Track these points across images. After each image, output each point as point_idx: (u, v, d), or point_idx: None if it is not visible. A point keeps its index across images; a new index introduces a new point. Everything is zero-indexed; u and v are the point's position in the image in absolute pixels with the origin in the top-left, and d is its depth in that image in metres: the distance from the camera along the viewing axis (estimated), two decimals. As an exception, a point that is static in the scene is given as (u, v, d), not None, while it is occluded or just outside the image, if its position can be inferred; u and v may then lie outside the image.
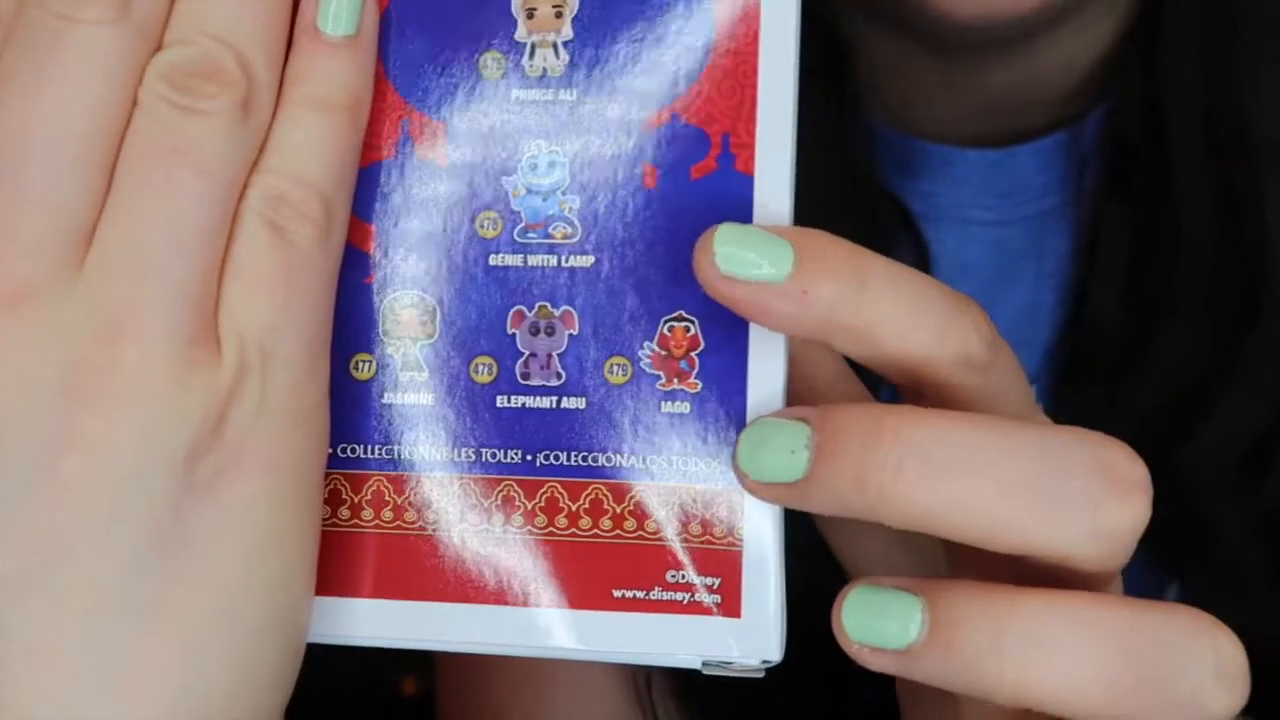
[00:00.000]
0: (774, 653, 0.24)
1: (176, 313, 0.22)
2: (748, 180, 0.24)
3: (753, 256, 0.22)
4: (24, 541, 0.21)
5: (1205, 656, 0.22)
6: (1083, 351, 0.42)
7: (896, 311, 0.22)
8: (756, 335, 0.24)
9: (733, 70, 0.24)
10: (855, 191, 0.41)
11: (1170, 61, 0.40)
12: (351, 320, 0.25)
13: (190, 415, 0.22)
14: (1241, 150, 0.38)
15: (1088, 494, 0.22)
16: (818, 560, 0.30)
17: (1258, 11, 0.38)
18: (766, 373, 0.24)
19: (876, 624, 0.22)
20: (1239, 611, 0.41)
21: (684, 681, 0.41)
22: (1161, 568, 0.43)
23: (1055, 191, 0.43)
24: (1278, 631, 0.39)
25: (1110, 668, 0.21)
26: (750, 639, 0.24)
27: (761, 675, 0.25)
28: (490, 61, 0.25)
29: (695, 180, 0.24)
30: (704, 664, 0.24)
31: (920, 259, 0.42)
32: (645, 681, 0.41)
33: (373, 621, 0.25)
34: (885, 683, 0.29)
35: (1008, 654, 0.21)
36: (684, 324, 0.24)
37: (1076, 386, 0.42)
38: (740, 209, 0.24)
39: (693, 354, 0.24)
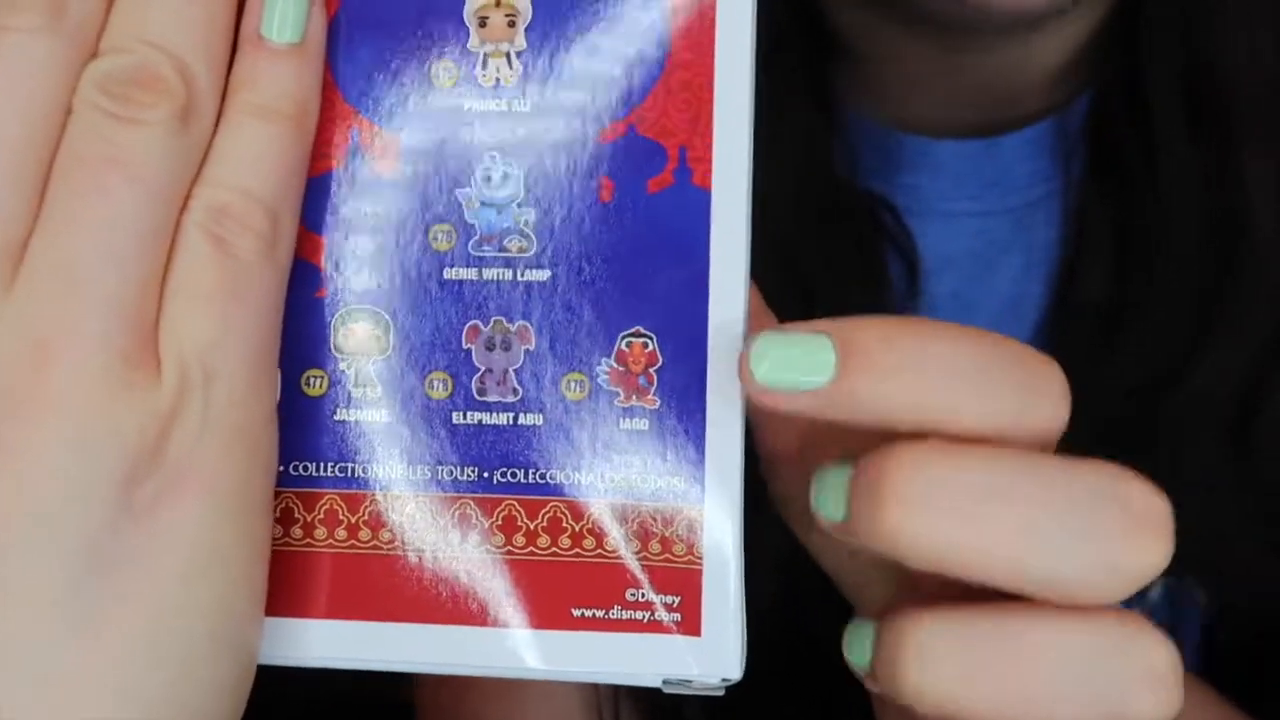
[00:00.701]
0: (734, 670, 0.24)
1: (110, 328, 0.21)
2: (705, 194, 0.24)
3: (792, 368, 0.22)
4: None
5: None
6: (1069, 331, 0.41)
7: (959, 396, 0.22)
8: (715, 351, 0.24)
9: (689, 82, 0.24)
10: (839, 191, 0.40)
11: (1152, 35, 0.39)
12: (302, 335, 0.24)
13: (127, 435, 0.21)
14: (1221, 118, 0.38)
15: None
16: (790, 574, 0.29)
17: None
18: (725, 388, 0.24)
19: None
20: (1223, 573, 0.41)
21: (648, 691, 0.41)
22: None
23: (1042, 181, 0.42)
24: (1272, 594, 0.39)
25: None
26: (710, 657, 0.24)
27: (721, 694, 0.24)
28: (442, 71, 0.24)
29: (652, 194, 0.24)
30: (664, 683, 0.24)
31: (907, 260, 0.41)
32: (609, 692, 0.41)
33: (327, 643, 0.24)
34: (858, 695, 0.29)
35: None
36: (642, 340, 0.24)
37: (1063, 364, 0.42)
38: (697, 223, 0.24)
39: (651, 370, 0.24)
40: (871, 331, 0.22)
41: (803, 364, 0.22)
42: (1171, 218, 0.39)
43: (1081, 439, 0.37)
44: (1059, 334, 0.42)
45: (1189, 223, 0.39)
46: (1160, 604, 0.43)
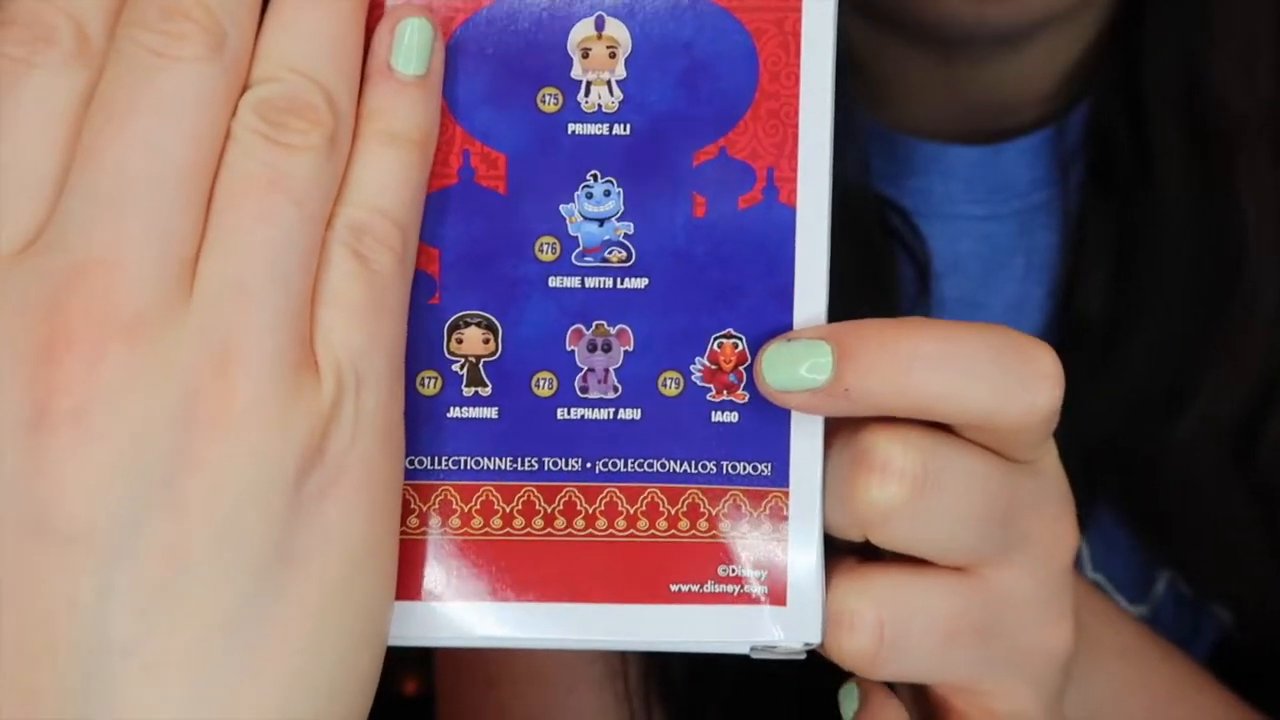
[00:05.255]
0: (815, 636, 0.27)
1: (281, 340, 0.23)
2: (790, 211, 0.27)
3: (799, 371, 0.26)
4: (147, 561, 0.22)
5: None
6: (1071, 340, 0.44)
7: (947, 385, 0.25)
8: None
9: (776, 111, 0.26)
10: (851, 194, 0.43)
11: (1151, 52, 0.42)
12: (418, 339, 0.26)
13: (298, 437, 0.23)
14: (1216, 138, 0.41)
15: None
16: None
17: (1228, 3, 0.41)
18: None
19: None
20: (1239, 591, 0.44)
21: (665, 679, 0.43)
22: (1158, 556, 0.46)
23: (1043, 187, 0.45)
24: (1277, 608, 0.43)
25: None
26: (794, 624, 0.27)
27: (803, 657, 0.27)
28: (547, 96, 0.26)
29: (742, 210, 0.27)
30: (752, 649, 0.27)
31: (918, 262, 0.44)
32: (638, 688, 0.43)
33: (444, 623, 0.26)
34: None
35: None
36: (732, 340, 0.27)
37: (1066, 374, 0.45)
38: (783, 237, 0.27)
39: (740, 368, 0.27)
40: (864, 333, 0.26)
41: (806, 369, 0.26)
42: (1168, 233, 0.42)
43: (1086, 449, 0.41)
44: (1061, 339, 0.45)
45: (1184, 239, 0.42)
46: (1166, 600, 0.47)
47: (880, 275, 0.43)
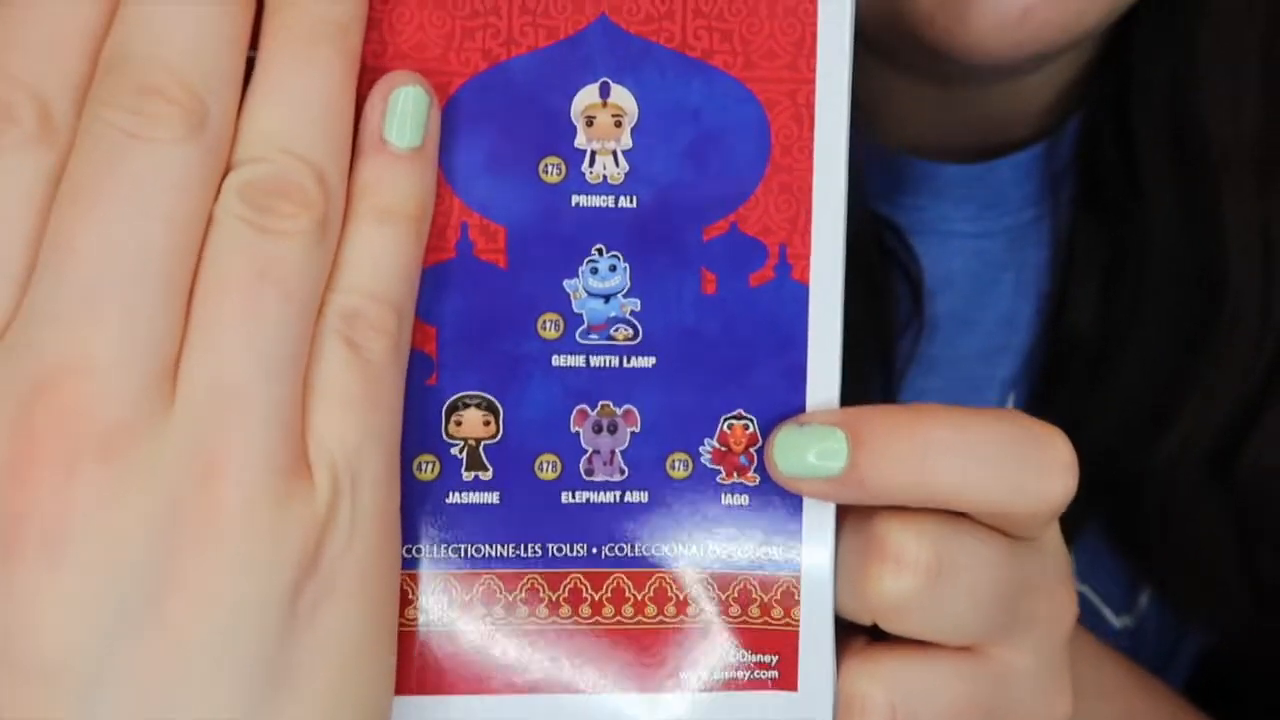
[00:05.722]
0: (826, 718, 0.26)
1: (271, 444, 0.22)
2: (803, 289, 0.25)
3: (811, 458, 0.25)
4: (131, 687, 0.21)
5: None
6: (1060, 356, 0.44)
7: (962, 476, 0.25)
8: None
9: (789, 185, 0.25)
10: (847, 215, 0.42)
11: (1139, 81, 0.42)
12: (415, 422, 0.25)
13: (292, 547, 0.22)
14: (1202, 161, 0.41)
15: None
16: None
17: (1219, 31, 0.40)
18: None
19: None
20: (1217, 611, 0.45)
21: None
22: (1138, 574, 0.46)
23: (1033, 203, 0.44)
24: (1257, 629, 0.43)
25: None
26: (806, 709, 0.26)
27: None
28: (550, 166, 0.25)
29: (753, 288, 0.25)
30: (762, 734, 0.26)
31: (912, 280, 0.43)
32: None
33: (445, 718, 0.25)
34: None
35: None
36: (743, 422, 0.26)
37: (1054, 390, 0.44)
38: (796, 316, 0.26)
39: (751, 450, 0.26)
40: (878, 422, 0.25)
41: (819, 456, 0.25)
42: (1155, 250, 0.42)
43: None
44: (1051, 354, 0.44)
45: (1171, 257, 0.42)
46: (1150, 612, 0.47)
47: (876, 294, 0.43)
